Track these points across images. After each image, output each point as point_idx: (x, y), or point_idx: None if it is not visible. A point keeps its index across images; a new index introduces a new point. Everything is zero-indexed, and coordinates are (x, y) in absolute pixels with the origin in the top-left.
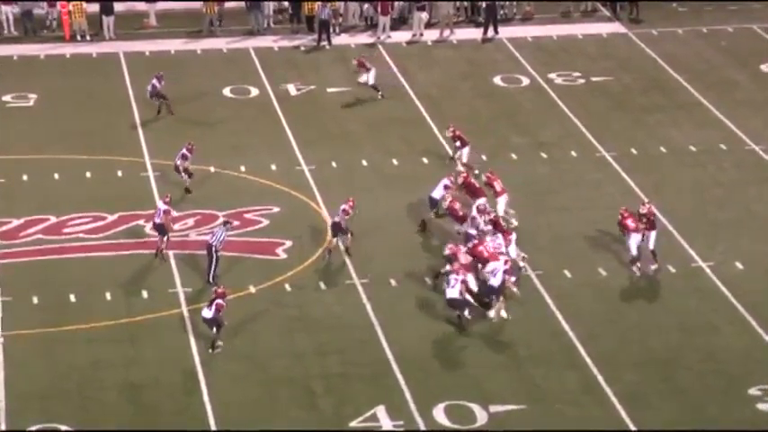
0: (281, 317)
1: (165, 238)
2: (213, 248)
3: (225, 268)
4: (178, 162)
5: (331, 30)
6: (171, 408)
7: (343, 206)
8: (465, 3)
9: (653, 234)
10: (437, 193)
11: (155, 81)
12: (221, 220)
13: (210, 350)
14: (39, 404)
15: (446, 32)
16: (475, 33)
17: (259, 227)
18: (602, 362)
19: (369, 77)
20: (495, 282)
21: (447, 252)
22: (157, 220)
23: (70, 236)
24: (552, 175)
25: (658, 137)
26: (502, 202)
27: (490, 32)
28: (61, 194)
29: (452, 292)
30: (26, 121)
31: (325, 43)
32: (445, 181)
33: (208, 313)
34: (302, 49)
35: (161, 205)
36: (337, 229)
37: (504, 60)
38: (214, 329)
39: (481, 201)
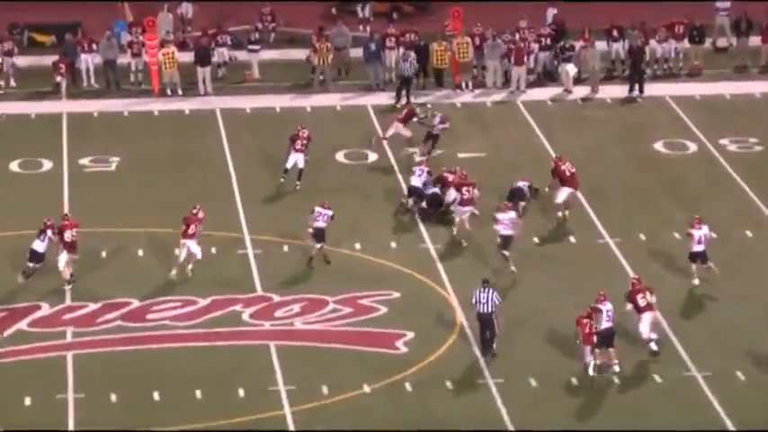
0: (401, 421)
1: (320, 246)
2: None
3: (334, 363)
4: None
5: (463, 86)
6: None
7: (322, 211)
8: (621, 54)
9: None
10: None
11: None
12: None
13: None
14: None
15: (593, 89)
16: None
17: (376, 315)
18: None
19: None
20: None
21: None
22: (321, 224)
23: (155, 323)
24: (724, 258)
25: None
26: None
27: (635, 91)
28: (146, 274)
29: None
30: (107, 187)
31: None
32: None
33: None
34: (429, 106)
35: (322, 210)
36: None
37: (667, 123)
38: None
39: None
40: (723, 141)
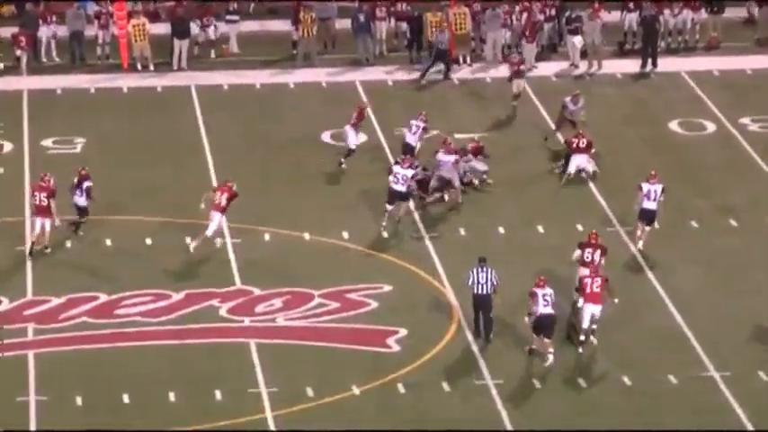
0: (393, 425)
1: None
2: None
3: (319, 363)
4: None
5: (460, 60)
6: None
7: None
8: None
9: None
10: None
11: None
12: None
13: None
14: None
15: (594, 66)
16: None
17: (365, 310)
18: None
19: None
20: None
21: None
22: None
23: (124, 319)
24: (743, 248)
25: None
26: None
27: (648, 66)
28: (114, 266)
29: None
30: (71, 171)
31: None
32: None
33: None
34: (423, 83)
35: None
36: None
37: (682, 100)
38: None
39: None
40: (743, 120)
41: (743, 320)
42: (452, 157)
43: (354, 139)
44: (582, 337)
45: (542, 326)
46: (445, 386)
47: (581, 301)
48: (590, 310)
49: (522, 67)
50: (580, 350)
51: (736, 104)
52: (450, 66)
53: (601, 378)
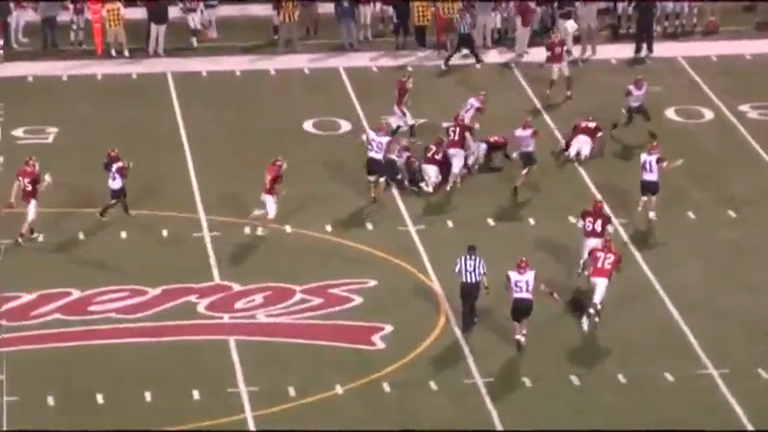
0: (378, 426)
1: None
2: None
3: (302, 361)
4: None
5: (447, 45)
6: None
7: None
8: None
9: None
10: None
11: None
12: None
13: None
14: None
15: (587, 52)
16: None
17: (349, 306)
18: None
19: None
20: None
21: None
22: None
23: (98, 316)
24: (743, 241)
25: None
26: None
27: (643, 51)
28: (87, 261)
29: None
30: (43, 162)
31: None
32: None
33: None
34: (409, 69)
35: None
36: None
37: (679, 87)
38: None
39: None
40: (743, 108)
41: (742, 316)
42: (530, 131)
43: (404, 118)
44: (591, 310)
45: (516, 311)
46: (433, 385)
47: (590, 276)
48: (602, 285)
49: (562, 48)
50: (585, 326)
51: (735, 91)
52: (476, 50)
53: (594, 376)
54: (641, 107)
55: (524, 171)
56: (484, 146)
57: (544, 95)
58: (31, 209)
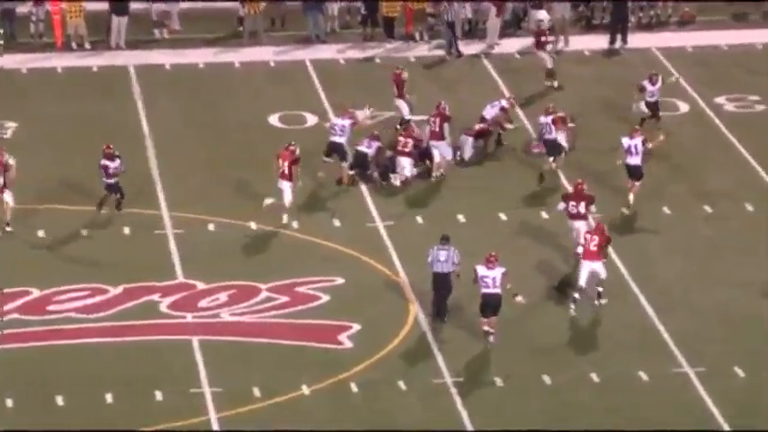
0: (346, 426)
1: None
2: None
3: (267, 361)
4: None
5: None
6: None
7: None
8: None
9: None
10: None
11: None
12: None
13: None
14: None
15: (560, 43)
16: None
17: (316, 304)
18: None
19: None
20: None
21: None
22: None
23: (58, 315)
24: (720, 236)
25: None
26: None
27: (617, 42)
28: (47, 259)
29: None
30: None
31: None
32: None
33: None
34: (377, 61)
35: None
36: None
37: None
38: None
39: None
40: (719, 100)
41: (719, 313)
42: (551, 117)
43: (408, 108)
44: (576, 295)
45: (484, 307)
46: (401, 385)
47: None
48: (587, 268)
49: (546, 38)
50: (572, 311)
51: (712, 83)
52: (456, 40)
53: (567, 375)
54: (657, 103)
55: (551, 159)
56: (470, 139)
57: (544, 88)
58: (7, 197)
